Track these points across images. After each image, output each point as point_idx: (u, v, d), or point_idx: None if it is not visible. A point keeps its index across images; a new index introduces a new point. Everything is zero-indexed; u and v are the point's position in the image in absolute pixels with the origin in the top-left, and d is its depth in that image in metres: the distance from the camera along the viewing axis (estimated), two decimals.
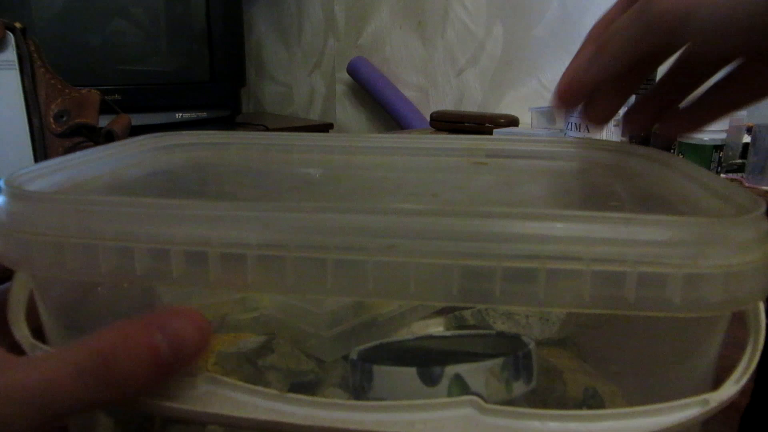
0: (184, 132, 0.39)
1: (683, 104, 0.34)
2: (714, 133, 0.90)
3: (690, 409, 0.20)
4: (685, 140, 0.93)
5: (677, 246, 0.20)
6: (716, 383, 0.22)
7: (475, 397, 0.20)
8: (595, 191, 0.31)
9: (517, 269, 0.20)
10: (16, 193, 0.25)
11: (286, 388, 0.31)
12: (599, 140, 0.36)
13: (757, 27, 0.25)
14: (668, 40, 0.27)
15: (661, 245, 0.20)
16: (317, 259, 0.22)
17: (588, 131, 0.92)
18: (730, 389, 0.21)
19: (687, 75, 0.33)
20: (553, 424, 0.20)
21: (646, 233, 0.20)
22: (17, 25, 0.74)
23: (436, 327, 0.36)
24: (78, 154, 0.31)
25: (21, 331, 0.25)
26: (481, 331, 0.33)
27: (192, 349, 0.21)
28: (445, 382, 0.27)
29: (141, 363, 0.20)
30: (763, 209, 0.21)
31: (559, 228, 0.20)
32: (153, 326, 0.21)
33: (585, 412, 0.20)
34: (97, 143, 0.76)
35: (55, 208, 0.24)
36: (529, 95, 1.30)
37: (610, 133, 0.92)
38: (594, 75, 0.30)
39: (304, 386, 0.31)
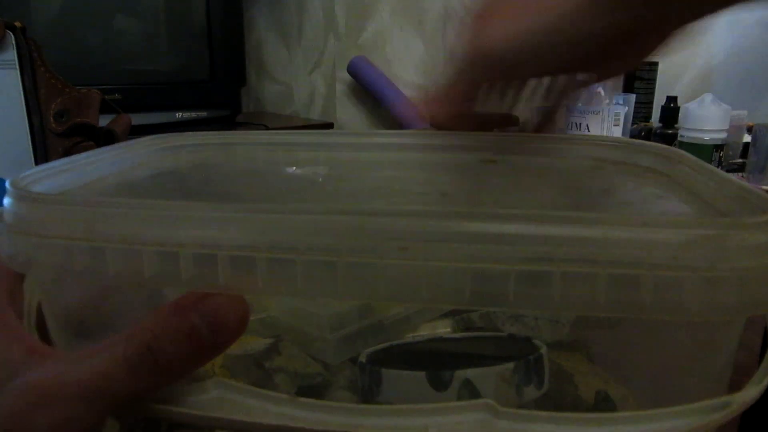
0: (189, 132, 0.39)
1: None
2: (714, 132, 0.90)
3: (711, 411, 0.20)
4: (684, 140, 0.93)
5: (695, 249, 0.19)
6: (731, 388, 0.22)
7: (489, 401, 0.20)
8: (606, 190, 0.30)
9: (531, 272, 0.20)
10: (22, 195, 0.24)
11: (294, 390, 0.30)
12: (607, 137, 0.36)
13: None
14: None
15: (678, 248, 0.19)
16: (328, 261, 0.21)
17: (589, 130, 0.92)
18: (752, 390, 0.20)
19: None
20: (568, 428, 0.19)
21: (662, 235, 0.19)
22: (17, 24, 0.73)
23: (443, 329, 0.35)
24: (84, 155, 0.31)
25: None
26: (492, 334, 0.33)
27: (231, 327, 0.21)
28: (454, 387, 0.26)
29: (183, 346, 0.21)
30: None
31: (573, 230, 0.20)
32: (190, 309, 0.21)
33: (601, 415, 0.20)
34: (97, 143, 0.76)
35: (62, 210, 0.23)
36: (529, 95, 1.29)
37: (610, 130, 0.92)
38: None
39: (311, 389, 0.31)
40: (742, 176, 0.87)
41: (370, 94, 1.54)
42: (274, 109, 1.91)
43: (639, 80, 1.07)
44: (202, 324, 0.21)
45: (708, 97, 0.91)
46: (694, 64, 1.14)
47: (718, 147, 0.90)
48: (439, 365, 0.27)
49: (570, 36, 0.29)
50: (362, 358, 0.30)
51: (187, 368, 0.21)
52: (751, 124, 0.94)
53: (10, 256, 0.24)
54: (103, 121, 0.77)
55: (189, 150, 0.38)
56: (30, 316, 0.25)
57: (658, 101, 1.07)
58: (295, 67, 1.80)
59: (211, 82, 1.43)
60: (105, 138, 0.76)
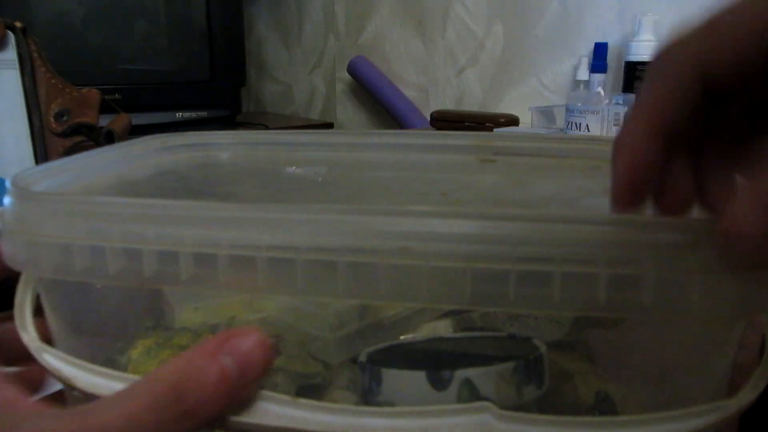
0: (189, 132, 0.39)
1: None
2: None
3: (706, 415, 0.20)
4: None
5: (695, 249, 0.19)
6: (730, 388, 0.22)
7: (488, 403, 0.20)
8: (606, 190, 0.30)
9: (531, 272, 0.20)
10: (23, 194, 0.24)
11: (294, 390, 0.30)
12: (607, 137, 0.36)
13: None
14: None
15: (677, 248, 0.19)
16: (328, 261, 0.21)
17: (588, 130, 0.92)
18: (747, 395, 0.20)
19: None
20: (567, 431, 0.20)
21: (663, 236, 0.20)
22: (17, 24, 0.73)
23: (443, 329, 0.35)
24: (84, 154, 0.31)
25: (29, 335, 0.25)
26: (492, 333, 0.33)
27: (258, 367, 0.21)
28: (454, 387, 0.26)
29: (211, 389, 0.20)
30: None
31: (573, 230, 0.20)
32: (218, 350, 0.21)
33: (599, 419, 0.20)
34: (97, 142, 0.76)
35: (62, 209, 0.24)
36: (529, 95, 1.29)
37: (610, 130, 0.91)
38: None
39: (311, 389, 0.31)
40: None
41: (370, 94, 1.54)
42: (274, 109, 1.91)
43: (638, 80, 1.07)
44: (230, 364, 0.21)
45: None
46: None
47: None
48: (439, 365, 0.27)
49: None
50: (362, 358, 0.30)
51: (213, 411, 0.21)
52: None
53: (10, 256, 0.24)
54: (103, 121, 0.77)
55: (189, 150, 0.38)
56: (26, 315, 0.25)
57: None
58: (295, 67, 1.80)
59: (211, 82, 1.43)
60: (105, 138, 0.76)
